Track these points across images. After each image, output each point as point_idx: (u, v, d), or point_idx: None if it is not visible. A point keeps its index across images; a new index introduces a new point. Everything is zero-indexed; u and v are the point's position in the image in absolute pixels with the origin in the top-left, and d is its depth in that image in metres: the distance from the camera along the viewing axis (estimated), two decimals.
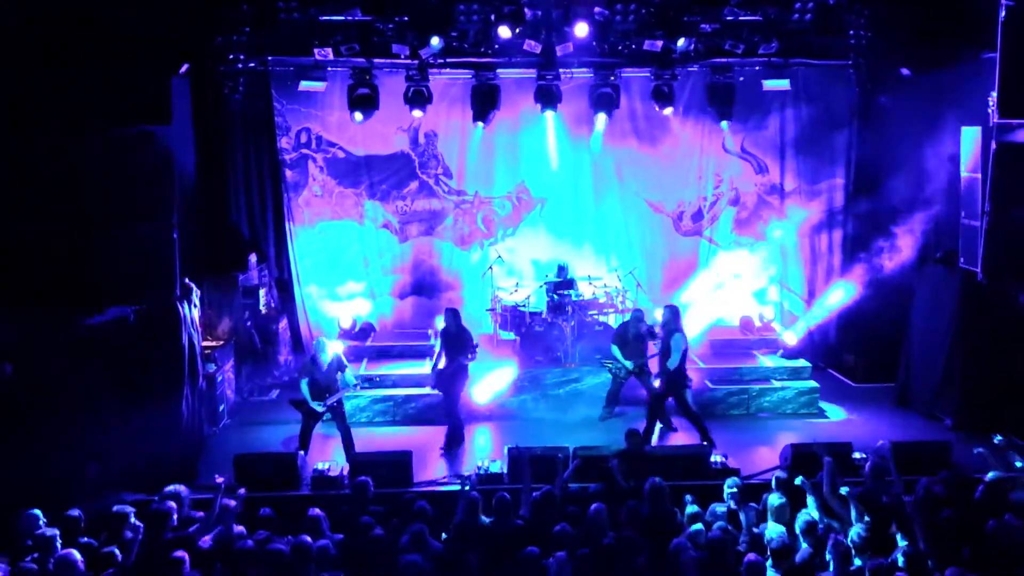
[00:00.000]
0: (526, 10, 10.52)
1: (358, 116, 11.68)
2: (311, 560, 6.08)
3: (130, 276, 8.75)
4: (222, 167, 12.26)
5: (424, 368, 11.14)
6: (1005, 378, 10.13)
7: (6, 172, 8.37)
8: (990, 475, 7.28)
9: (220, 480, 7.13)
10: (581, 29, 10.49)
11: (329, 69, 11.58)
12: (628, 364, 10.39)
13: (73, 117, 8.48)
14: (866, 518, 6.42)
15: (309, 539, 6.21)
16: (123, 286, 8.71)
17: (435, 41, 10.39)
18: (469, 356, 9.90)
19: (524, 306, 12.17)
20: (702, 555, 5.96)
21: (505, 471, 8.81)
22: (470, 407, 10.80)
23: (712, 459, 8.89)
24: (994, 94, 9.65)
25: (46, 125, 8.39)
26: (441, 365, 10.00)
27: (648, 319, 10.64)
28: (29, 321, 8.30)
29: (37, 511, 6.58)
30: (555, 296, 11.93)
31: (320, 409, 9.29)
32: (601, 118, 12.12)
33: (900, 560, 5.90)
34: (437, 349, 10.28)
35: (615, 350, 10.48)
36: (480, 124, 11.99)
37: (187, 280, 9.59)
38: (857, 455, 8.82)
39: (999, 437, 8.35)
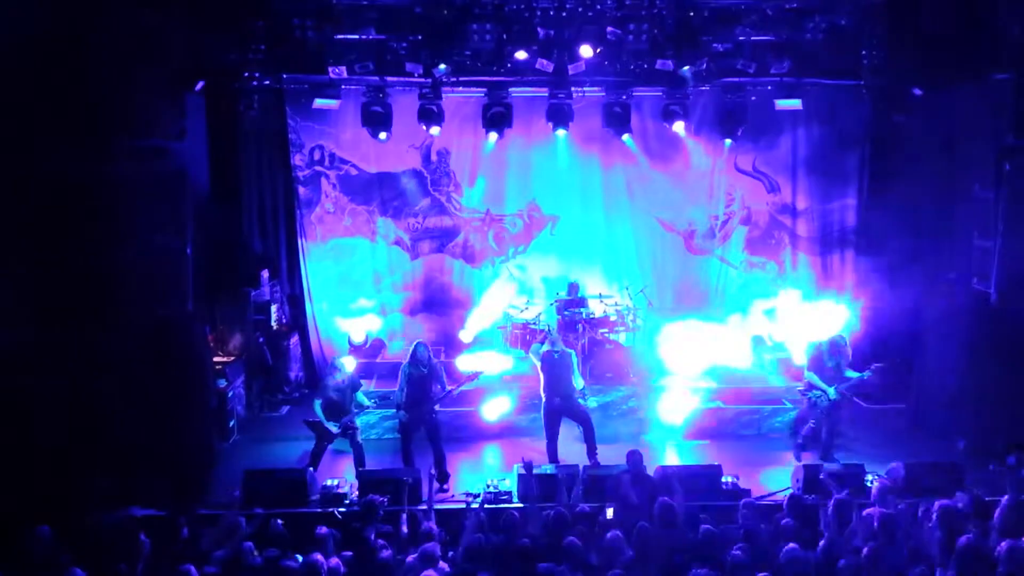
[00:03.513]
0: (538, 29, 10.58)
1: (382, 135, 11.72)
2: None
3: (144, 290, 8.80)
4: (236, 183, 12.34)
5: None
6: (1018, 399, 10.04)
7: (21, 186, 8.43)
8: (1006, 497, 7.20)
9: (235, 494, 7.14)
10: (586, 51, 10.53)
11: (343, 87, 11.66)
12: (831, 391, 9.62)
13: (88, 133, 8.55)
14: (881, 540, 6.36)
15: (321, 557, 6.20)
16: (137, 300, 8.76)
17: (442, 67, 10.50)
18: (440, 389, 9.39)
19: (535, 324, 12.17)
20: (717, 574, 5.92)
21: (515, 489, 8.78)
22: (480, 425, 10.80)
23: (723, 479, 8.84)
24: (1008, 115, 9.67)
25: (62, 140, 8.46)
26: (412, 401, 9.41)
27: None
28: (43, 334, 8.34)
29: (46, 527, 6.58)
30: (565, 313, 11.93)
31: (335, 430, 9.27)
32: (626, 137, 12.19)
33: None
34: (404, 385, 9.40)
35: (812, 376, 9.80)
36: (493, 133, 11.94)
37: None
38: (869, 476, 8.75)
39: (1012, 458, 8.29)
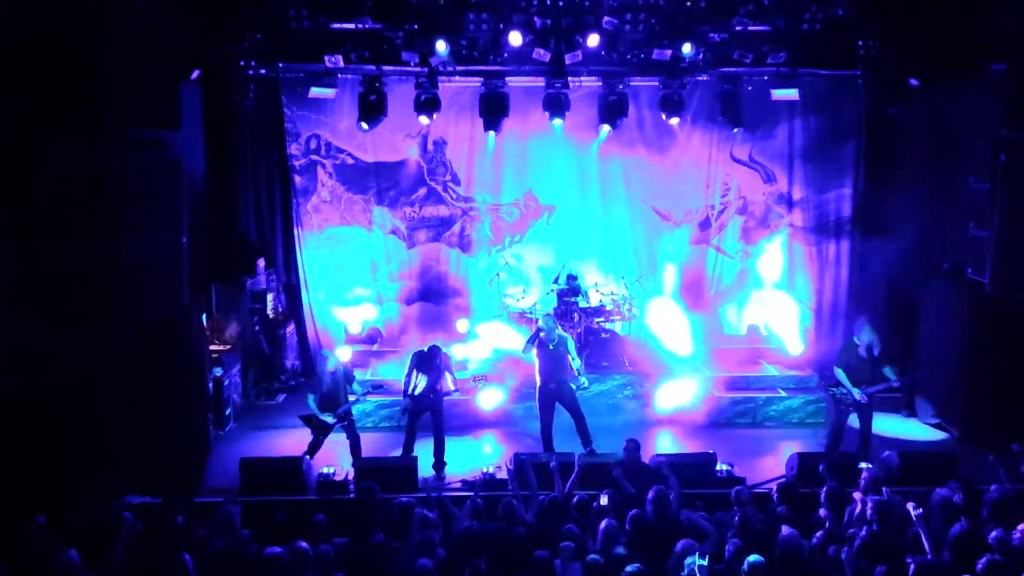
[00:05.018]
0: (535, 19, 10.57)
1: (364, 125, 11.74)
2: (310, 564, 6.09)
3: (139, 281, 8.78)
4: (232, 173, 12.33)
5: None
6: (1013, 389, 10.07)
7: (15, 180, 8.40)
8: (995, 486, 7.25)
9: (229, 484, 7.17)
10: (593, 40, 10.56)
11: (339, 76, 11.64)
12: (856, 392, 9.33)
13: (83, 123, 8.52)
14: (874, 527, 6.40)
15: (307, 544, 6.22)
16: (133, 290, 8.75)
17: (441, 46, 10.44)
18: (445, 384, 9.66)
19: (531, 313, 12.20)
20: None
21: (510, 477, 8.81)
22: (476, 414, 10.84)
23: (718, 467, 8.87)
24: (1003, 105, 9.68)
25: (56, 132, 8.43)
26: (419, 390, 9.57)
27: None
28: (37, 325, 8.33)
29: (42, 517, 6.60)
30: (559, 290, 11.97)
31: (331, 421, 9.30)
32: (604, 128, 12.15)
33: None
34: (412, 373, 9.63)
35: (840, 373, 9.50)
36: (492, 132, 12.03)
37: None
38: (863, 465, 8.78)
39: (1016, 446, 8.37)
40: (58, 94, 8.32)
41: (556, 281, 12.38)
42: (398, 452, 9.58)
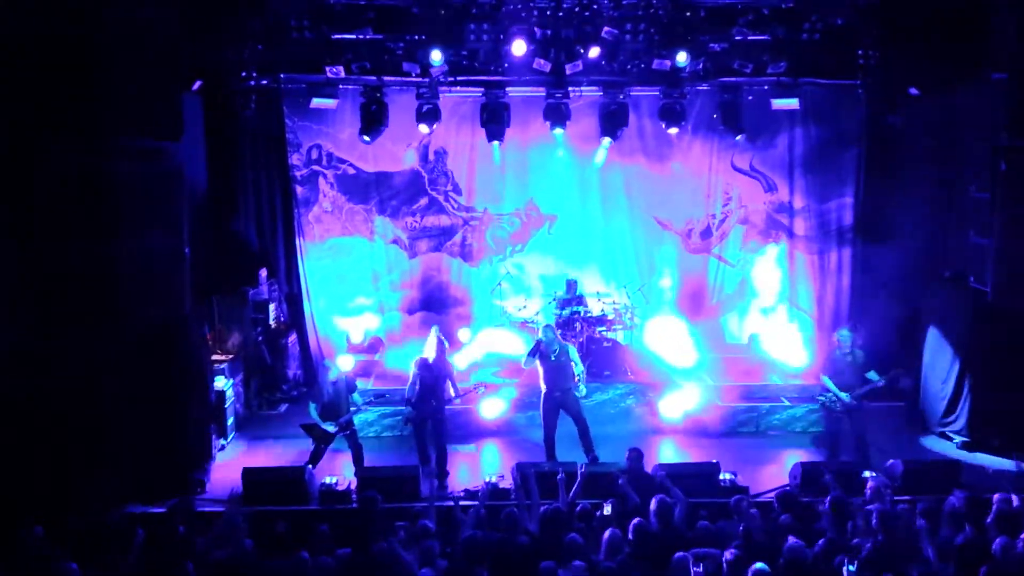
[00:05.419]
0: (536, 29, 10.61)
1: (366, 138, 11.77)
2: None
3: (142, 290, 8.78)
4: (233, 183, 12.36)
5: None
6: (1016, 398, 10.06)
7: (15, 180, 8.41)
8: (999, 495, 7.23)
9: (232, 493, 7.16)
10: (593, 50, 10.60)
11: (340, 86, 11.66)
12: (844, 396, 9.45)
13: (85, 133, 8.54)
14: (880, 538, 6.38)
15: (307, 555, 6.21)
16: (135, 300, 8.75)
17: (436, 55, 10.48)
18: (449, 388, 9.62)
19: (533, 323, 12.19)
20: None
21: (513, 487, 8.79)
22: (479, 423, 10.82)
23: (721, 476, 8.85)
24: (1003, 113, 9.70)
25: (58, 140, 8.46)
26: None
27: None
28: (41, 334, 8.33)
29: (39, 529, 6.57)
30: (563, 311, 11.94)
31: (333, 430, 9.28)
32: (605, 141, 12.19)
33: None
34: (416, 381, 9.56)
35: (826, 380, 9.64)
36: (496, 143, 12.02)
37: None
38: (867, 474, 8.76)
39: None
40: (58, 94, 8.31)
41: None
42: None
